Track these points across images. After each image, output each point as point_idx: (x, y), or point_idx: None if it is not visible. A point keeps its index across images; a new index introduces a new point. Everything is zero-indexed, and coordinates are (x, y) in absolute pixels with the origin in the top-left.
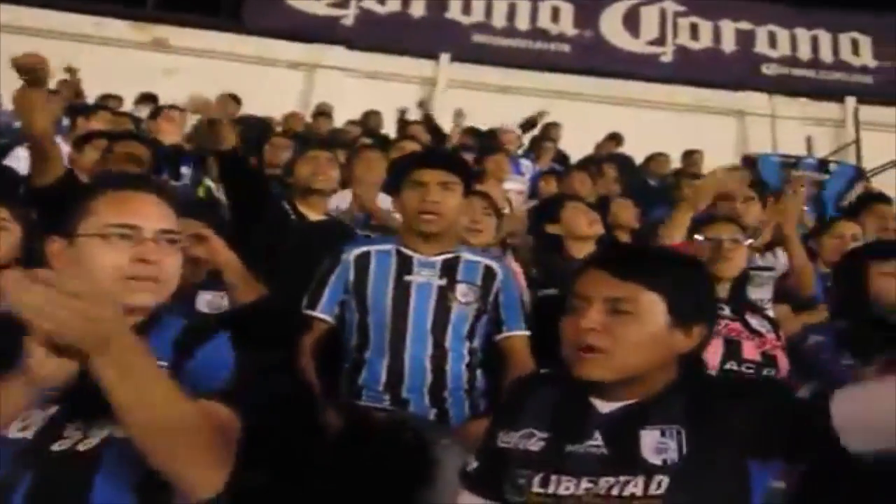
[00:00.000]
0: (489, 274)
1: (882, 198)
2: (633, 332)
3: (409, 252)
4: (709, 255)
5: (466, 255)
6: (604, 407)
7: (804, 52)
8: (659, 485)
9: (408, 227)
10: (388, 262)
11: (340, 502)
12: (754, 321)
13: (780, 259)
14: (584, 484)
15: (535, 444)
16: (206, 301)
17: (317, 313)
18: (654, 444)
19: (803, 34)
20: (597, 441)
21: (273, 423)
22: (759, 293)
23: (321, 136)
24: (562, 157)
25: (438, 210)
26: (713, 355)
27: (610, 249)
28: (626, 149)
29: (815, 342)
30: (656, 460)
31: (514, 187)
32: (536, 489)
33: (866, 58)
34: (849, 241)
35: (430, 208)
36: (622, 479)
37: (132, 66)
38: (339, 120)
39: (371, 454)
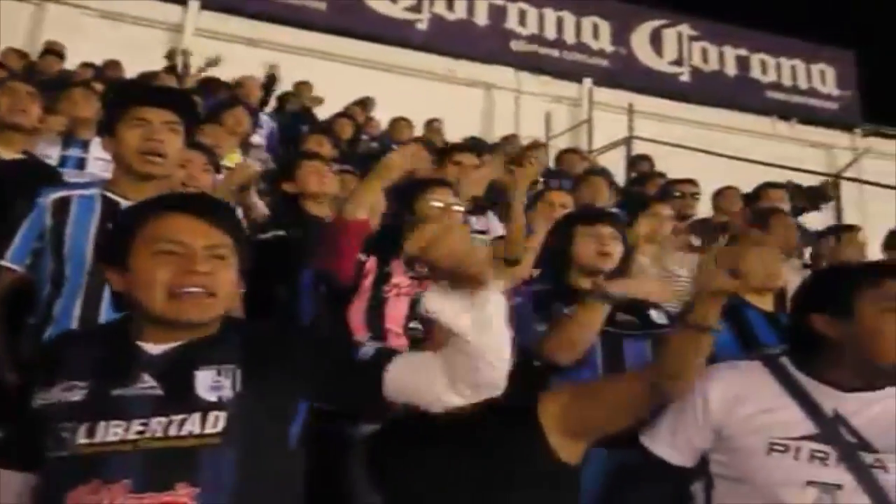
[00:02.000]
0: None
1: (599, 171)
2: (228, 277)
3: (116, 198)
4: (436, 218)
5: None
6: (153, 349)
7: (550, 32)
8: (216, 421)
9: (122, 170)
10: (92, 207)
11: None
12: None
13: (494, 222)
14: (136, 427)
15: (76, 395)
16: None
17: (3, 262)
18: (210, 382)
19: (550, 14)
20: (148, 382)
21: None
22: None
23: (49, 77)
24: (311, 117)
25: (163, 151)
26: (398, 314)
27: (189, 197)
28: (376, 114)
29: (514, 304)
30: (212, 397)
31: (252, 141)
32: (82, 440)
33: (604, 42)
34: (557, 208)
35: (155, 149)
36: (177, 418)
37: None
38: (72, 62)
39: None
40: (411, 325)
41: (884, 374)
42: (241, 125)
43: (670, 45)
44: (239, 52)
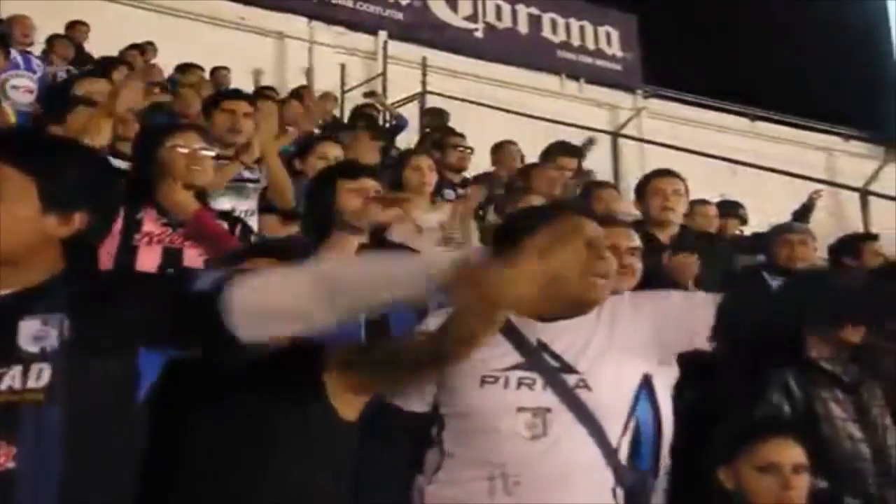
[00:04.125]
0: None
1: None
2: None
3: None
4: (181, 164)
5: None
6: None
7: None
8: (39, 375)
9: None
10: None
11: None
12: None
13: (265, 171)
14: None
15: None
16: None
17: None
18: (34, 332)
19: None
20: None
21: None
22: (243, 204)
23: None
24: (85, 59)
25: None
26: (150, 262)
27: None
28: (160, 60)
29: None
30: (34, 348)
31: (22, 84)
32: None
33: None
34: (331, 160)
35: None
36: None
37: None
38: None
39: None
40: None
41: (577, 303)
42: None
43: (465, 1)
44: None
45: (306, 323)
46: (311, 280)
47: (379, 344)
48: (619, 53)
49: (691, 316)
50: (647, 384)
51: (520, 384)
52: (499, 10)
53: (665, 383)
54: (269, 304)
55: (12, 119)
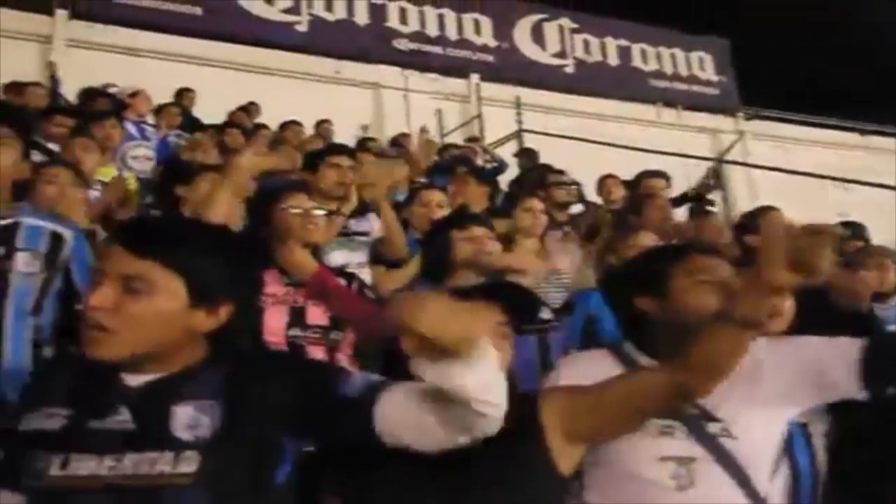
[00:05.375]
0: (57, 240)
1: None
2: (144, 312)
3: None
4: (296, 225)
5: (28, 220)
6: (132, 380)
7: (432, 30)
8: (189, 461)
9: None
10: None
11: None
12: None
13: (374, 224)
14: (108, 462)
15: (54, 423)
16: None
17: None
18: (187, 419)
19: (431, 12)
20: (123, 416)
21: None
22: (355, 257)
23: None
24: (193, 124)
25: None
26: (277, 323)
27: (131, 223)
28: (264, 119)
29: None
30: (188, 436)
31: (141, 153)
32: (55, 472)
33: (487, 38)
34: (434, 208)
35: None
36: (149, 455)
37: None
38: None
39: None
40: (291, 332)
41: None
42: (111, 138)
43: (552, 38)
44: (116, 62)
45: (431, 449)
46: (433, 418)
47: (600, 388)
48: (715, 77)
49: (833, 362)
50: (803, 432)
51: (661, 433)
52: (587, 44)
53: (819, 431)
54: (406, 427)
55: (133, 187)
